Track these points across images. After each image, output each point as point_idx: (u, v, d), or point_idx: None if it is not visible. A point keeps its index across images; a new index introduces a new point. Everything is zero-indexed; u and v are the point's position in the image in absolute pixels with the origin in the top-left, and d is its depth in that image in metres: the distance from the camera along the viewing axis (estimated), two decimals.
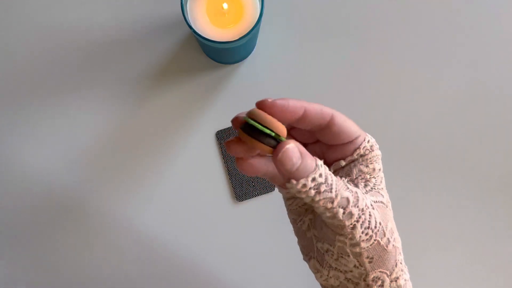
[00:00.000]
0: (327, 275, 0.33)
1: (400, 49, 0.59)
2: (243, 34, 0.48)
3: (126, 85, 0.58)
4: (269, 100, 0.30)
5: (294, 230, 0.36)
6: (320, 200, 0.28)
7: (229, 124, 0.58)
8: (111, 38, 0.59)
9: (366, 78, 0.58)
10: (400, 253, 0.32)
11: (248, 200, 0.57)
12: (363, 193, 0.31)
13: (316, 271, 0.34)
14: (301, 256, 0.39)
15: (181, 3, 0.48)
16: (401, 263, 0.32)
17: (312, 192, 0.28)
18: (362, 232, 0.30)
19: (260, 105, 0.30)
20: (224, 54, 0.55)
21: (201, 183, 0.57)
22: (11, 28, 0.59)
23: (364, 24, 0.59)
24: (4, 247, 0.56)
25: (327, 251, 0.32)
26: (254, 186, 0.57)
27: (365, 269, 0.31)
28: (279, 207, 0.58)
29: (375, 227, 0.30)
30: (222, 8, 0.51)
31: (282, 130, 0.28)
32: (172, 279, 0.56)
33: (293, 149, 0.27)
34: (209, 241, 0.57)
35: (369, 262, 0.31)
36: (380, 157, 0.33)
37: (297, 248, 0.57)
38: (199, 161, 0.57)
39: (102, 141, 0.58)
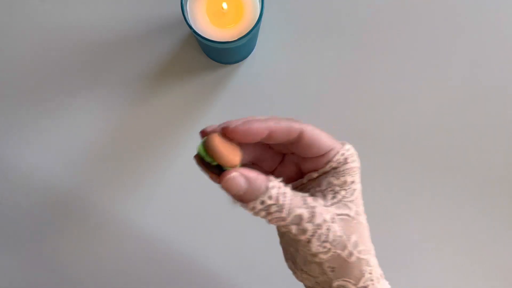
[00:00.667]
0: (301, 276, 0.34)
1: (400, 50, 0.59)
2: (243, 34, 0.48)
3: (126, 85, 0.58)
4: (231, 126, 0.30)
5: (277, 231, 0.36)
6: (271, 219, 0.30)
7: None
8: (111, 38, 0.59)
9: (366, 78, 0.58)
10: (368, 263, 0.32)
11: None
12: (326, 206, 0.31)
13: (292, 271, 0.35)
14: None
15: (181, 3, 0.48)
16: (370, 273, 0.32)
17: (263, 213, 0.30)
18: (319, 245, 0.30)
19: (222, 131, 0.31)
20: (224, 54, 0.55)
21: (201, 183, 0.57)
22: (11, 29, 0.59)
23: (365, 25, 0.59)
24: (4, 246, 0.56)
25: (295, 255, 0.33)
26: None
27: (328, 277, 0.32)
28: None
29: (334, 240, 0.31)
30: (222, 8, 0.51)
31: (230, 161, 0.29)
32: (172, 279, 0.56)
33: (235, 177, 0.29)
34: (210, 241, 0.57)
35: (331, 271, 0.31)
36: (355, 169, 0.33)
37: None
38: None
39: (102, 141, 0.58)
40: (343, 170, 0.33)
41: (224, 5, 0.50)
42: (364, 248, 0.32)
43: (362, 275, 0.32)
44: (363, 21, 0.59)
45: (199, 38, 0.49)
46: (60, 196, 0.57)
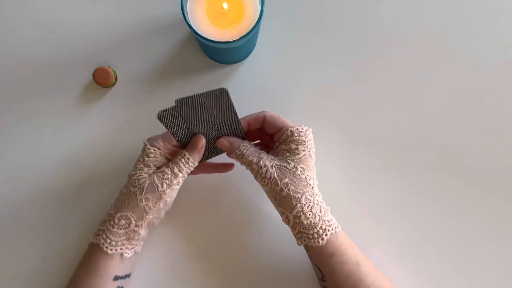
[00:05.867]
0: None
1: (402, 50, 0.59)
2: (243, 34, 0.48)
3: (127, 85, 0.58)
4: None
5: None
6: (241, 162, 0.51)
7: None
8: (111, 38, 0.59)
9: (365, 78, 0.58)
10: (299, 200, 0.47)
11: None
12: (270, 159, 0.49)
13: None
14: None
15: (181, 3, 0.48)
16: (301, 208, 0.47)
17: (237, 159, 0.51)
18: (262, 180, 0.49)
19: None
20: (224, 54, 0.55)
21: (203, 183, 0.57)
22: (13, 27, 0.59)
23: (364, 25, 0.59)
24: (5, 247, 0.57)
25: None
26: None
27: (274, 203, 0.49)
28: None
29: (270, 177, 0.48)
30: (222, 8, 0.51)
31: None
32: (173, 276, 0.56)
33: (222, 141, 0.51)
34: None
35: (275, 200, 0.49)
36: (300, 141, 0.49)
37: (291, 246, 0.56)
38: None
39: (102, 141, 0.58)
40: (290, 141, 0.49)
41: (224, 5, 0.50)
42: (294, 189, 0.48)
43: (294, 206, 0.47)
44: (363, 22, 0.59)
45: (199, 38, 0.49)
46: (63, 196, 0.57)
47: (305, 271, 0.55)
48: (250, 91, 0.58)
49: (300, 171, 0.48)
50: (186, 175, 0.50)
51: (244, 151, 0.50)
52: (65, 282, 0.55)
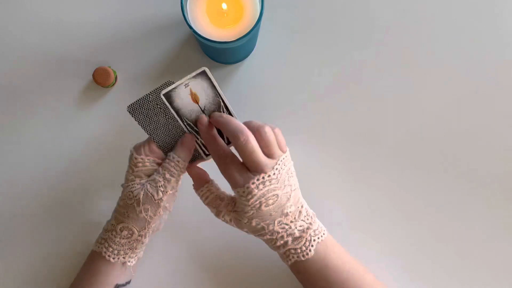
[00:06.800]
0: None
1: (401, 51, 0.59)
2: (243, 34, 0.48)
3: (127, 85, 0.58)
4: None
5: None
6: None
7: None
8: (111, 38, 0.59)
9: (364, 78, 0.58)
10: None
11: None
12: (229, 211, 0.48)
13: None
14: None
15: (181, 3, 0.48)
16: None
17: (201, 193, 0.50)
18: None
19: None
20: (224, 54, 0.55)
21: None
22: (13, 27, 0.59)
23: (364, 26, 0.59)
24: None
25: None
26: None
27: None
28: None
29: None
30: (222, 8, 0.51)
31: None
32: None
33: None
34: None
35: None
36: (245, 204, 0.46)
37: None
38: None
39: (102, 141, 0.58)
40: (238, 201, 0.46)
41: (224, 5, 0.50)
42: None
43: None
44: (363, 22, 0.59)
45: (199, 38, 0.49)
46: (62, 195, 0.57)
47: None
48: (249, 91, 0.58)
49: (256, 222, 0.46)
50: (180, 178, 0.48)
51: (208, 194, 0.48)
52: (63, 285, 0.55)
